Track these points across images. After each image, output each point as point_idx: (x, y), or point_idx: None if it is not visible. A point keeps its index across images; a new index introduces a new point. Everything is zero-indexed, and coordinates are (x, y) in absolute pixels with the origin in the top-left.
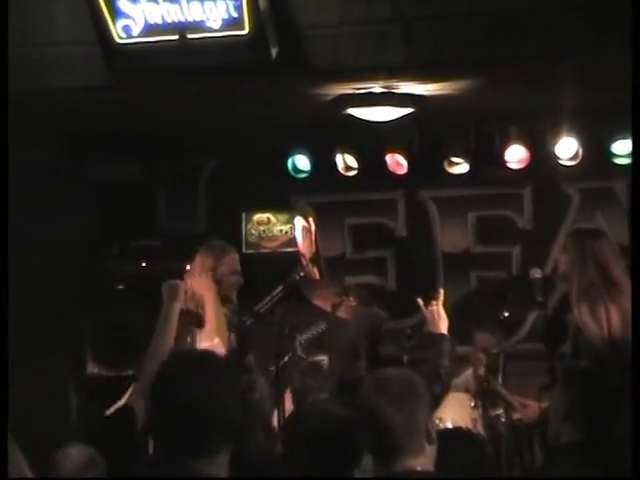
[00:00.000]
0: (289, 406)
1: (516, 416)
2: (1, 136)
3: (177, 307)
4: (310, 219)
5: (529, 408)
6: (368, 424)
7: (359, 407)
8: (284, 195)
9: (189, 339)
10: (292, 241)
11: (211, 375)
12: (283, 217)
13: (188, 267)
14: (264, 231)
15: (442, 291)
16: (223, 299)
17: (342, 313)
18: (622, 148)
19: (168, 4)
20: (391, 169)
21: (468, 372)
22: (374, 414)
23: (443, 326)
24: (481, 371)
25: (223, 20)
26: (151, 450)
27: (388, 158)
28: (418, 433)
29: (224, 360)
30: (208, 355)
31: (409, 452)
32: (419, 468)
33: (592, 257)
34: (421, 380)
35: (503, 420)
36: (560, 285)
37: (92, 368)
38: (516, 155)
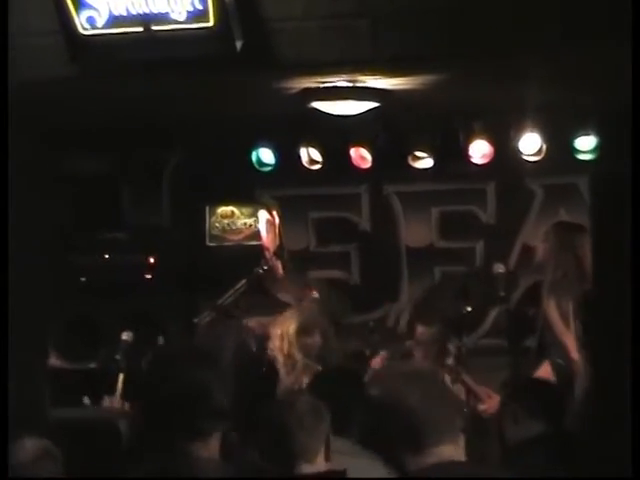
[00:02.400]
0: None
1: (481, 407)
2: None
3: None
4: (274, 212)
5: (493, 400)
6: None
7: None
8: (248, 188)
9: None
10: (256, 234)
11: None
12: (247, 210)
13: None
14: (228, 224)
15: None
16: None
17: None
18: (585, 144)
19: None
20: (355, 163)
21: None
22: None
23: None
24: (450, 362)
25: (188, 12)
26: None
27: (352, 152)
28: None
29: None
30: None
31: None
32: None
33: (571, 249)
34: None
35: (465, 410)
36: (523, 279)
37: (54, 361)
38: (480, 150)
